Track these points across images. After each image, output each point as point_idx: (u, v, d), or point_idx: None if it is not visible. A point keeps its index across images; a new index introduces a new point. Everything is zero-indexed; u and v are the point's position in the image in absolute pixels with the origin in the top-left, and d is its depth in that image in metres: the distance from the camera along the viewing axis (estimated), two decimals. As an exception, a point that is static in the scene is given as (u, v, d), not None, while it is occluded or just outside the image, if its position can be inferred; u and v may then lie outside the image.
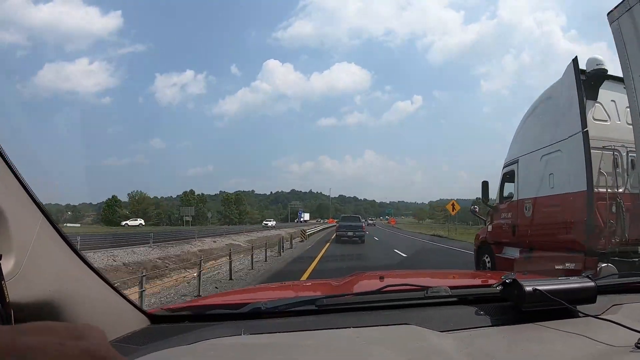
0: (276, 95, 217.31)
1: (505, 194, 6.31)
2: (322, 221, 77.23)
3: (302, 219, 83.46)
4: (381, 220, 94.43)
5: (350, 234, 17.33)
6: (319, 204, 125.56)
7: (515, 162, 5.90)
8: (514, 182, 5.93)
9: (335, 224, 25.93)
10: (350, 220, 19.26)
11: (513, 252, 5.67)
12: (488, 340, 0.76)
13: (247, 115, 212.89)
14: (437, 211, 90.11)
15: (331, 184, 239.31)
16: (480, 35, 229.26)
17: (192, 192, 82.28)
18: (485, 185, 6.67)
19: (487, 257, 6.49)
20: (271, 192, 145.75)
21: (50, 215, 0.70)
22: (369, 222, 54.77)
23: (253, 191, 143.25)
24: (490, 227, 6.55)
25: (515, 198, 5.84)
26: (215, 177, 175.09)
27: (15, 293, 0.56)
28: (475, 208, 7.67)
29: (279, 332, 0.84)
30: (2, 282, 0.51)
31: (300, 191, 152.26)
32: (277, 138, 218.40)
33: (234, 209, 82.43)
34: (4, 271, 0.53)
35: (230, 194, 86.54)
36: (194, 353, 0.73)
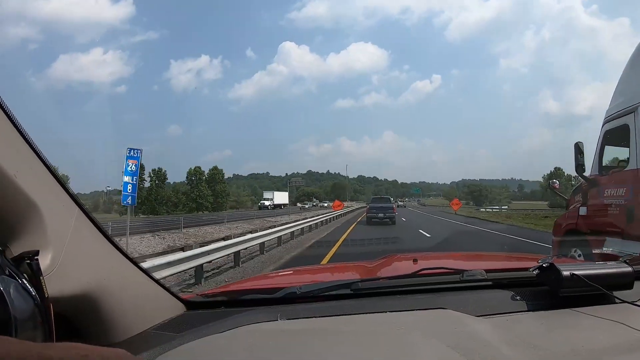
0: (293, 78, 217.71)
1: (606, 161, 4.57)
2: (315, 205, 63.21)
3: (269, 203, 56.67)
4: (405, 201, 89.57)
5: (381, 215, 17.56)
6: (334, 184, 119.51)
7: (633, 110, 4.04)
8: (626, 143, 4.15)
9: (341, 210, 22.79)
10: (380, 201, 19.42)
11: (626, 247, 3.87)
12: (525, 326, 0.77)
13: (264, 99, 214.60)
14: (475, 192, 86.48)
15: (350, 165, 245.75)
16: (499, 11, 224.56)
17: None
18: (579, 147, 4.54)
19: (577, 252, 4.48)
20: (286, 174, 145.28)
21: (85, 207, 0.72)
22: (399, 203, 53.00)
23: (268, 173, 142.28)
24: (583, 210, 4.69)
25: (633, 165, 4.00)
26: (233, 162, 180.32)
27: (54, 287, 0.58)
28: (554, 183, 5.54)
29: (315, 317, 0.86)
30: (41, 277, 0.53)
31: (317, 172, 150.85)
32: (295, 121, 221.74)
33: (205, 190, 61.29)
34: (42, 266, 0.55)
35: (200, 169, 64.55)
36: (232, 339, 0.75)
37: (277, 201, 59.20)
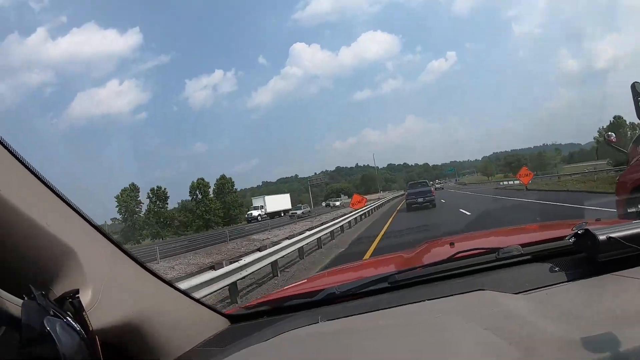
0: (308, 78, 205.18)
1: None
2: (326, 207, 50.35)
3: (258, 213, 42.16)
4: (442, 183, 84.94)
5: (420, 200, 17.62)
6: (363, 176, 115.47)
7: None
8: None
9: (363, 207, 19.16)
10: (418, 186, 19.60)
11: None
12: (564, 297, 0.75)
13: (282, 103, 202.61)
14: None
15: (377, 155, 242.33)
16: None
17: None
18: (635, 89, 3.93)
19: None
20: (315, 173, 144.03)
21: (118, 241, 0.76)
22: (436, 186, 50.62)
23: (296, 175, 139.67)
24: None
25: None
26: (262, 169, 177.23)
27: (97, 321, 0.61)
28: (610, 136, 4.92)
29: (354, 315, 0.87)
30: (84, 313, 0.56)
31: (346, 167, 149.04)
32: (316, 120, 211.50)
33: (212, 204, 52.94)
34: (84, 303, 0.58)
35: (204, 181, 56.10)
36: (274, 347, 0.76)
37: (271, 208, 44.30)
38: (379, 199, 37.68)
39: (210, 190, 56.70)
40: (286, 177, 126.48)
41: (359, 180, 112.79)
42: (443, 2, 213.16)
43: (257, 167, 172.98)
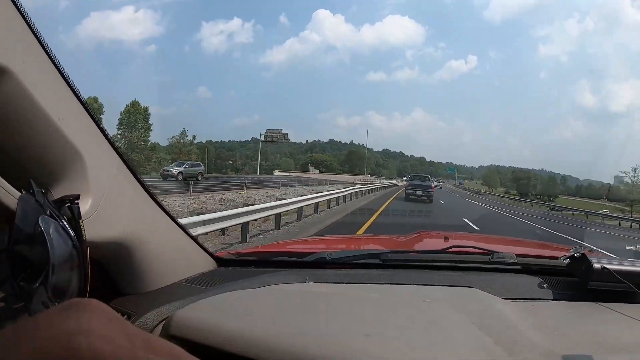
0: (325, 47, 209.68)
1: None
2: None
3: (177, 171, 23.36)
4: (441, 182, 78.95)
5: (419, 192, 18.62)
6: (350, 151, 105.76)
7: None
8: None
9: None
10: (419, 179, 21.27)
11: None
12: (550, 314, 0.77)
13: (295, 66, 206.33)
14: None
15: (375, 139, 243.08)
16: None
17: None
18: None
19: None
20: (307, 141, 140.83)
21: (126, 157, 0.74)
22: (435, 183, 47.27)
23: (288, 137, 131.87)
24: None
25: None
26: (261, 126, 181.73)
27: (92, 232, 0.60)
28: None
29: (343, 283, 0.89)
30: (80, 220, 0.54)
31: (339, 141, 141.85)
32: (324, 90, 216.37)
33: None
34: (82, 211, 0.56)
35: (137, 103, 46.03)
36: (259, 297, 0.77)
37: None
38: (354, 183, 28.23)
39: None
40: (298, 142, 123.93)
41: (344, 156, 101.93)
42: (477, 4, 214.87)
43: (257, 123, 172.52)
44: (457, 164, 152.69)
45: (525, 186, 72.45)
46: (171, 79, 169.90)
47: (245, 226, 6.27)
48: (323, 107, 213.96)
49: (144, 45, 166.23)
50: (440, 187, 51.05)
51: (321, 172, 70.71)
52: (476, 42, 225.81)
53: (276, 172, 59.02)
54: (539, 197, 57.99)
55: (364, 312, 0.70)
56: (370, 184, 28.55)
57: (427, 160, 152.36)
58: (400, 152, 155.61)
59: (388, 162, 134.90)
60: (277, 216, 7.74)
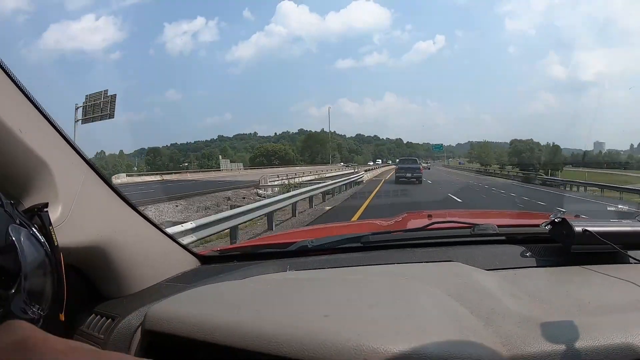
0: (292, 38, 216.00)
1: None
2: None
3: None
4: (429, 163, 77.47)
5: (408, 175, 20.07)
6: (308, 136, 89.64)
7: None
8: None
9: None
10: (408, 162, 23.05)
11: None
12: (531, 281, 0.78)
13: (263, 61, 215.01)
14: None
15: (351, 126, 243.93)
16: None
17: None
18: None
19: None
20: (275, 133, 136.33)
21: (93, 163, 0.76)
22: (424, 165, 49.00)
23: (256, 133, 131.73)
24: None
25: None
26: (234, 125, 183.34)
27: (64, 238, 0.61)
28: None
29: (324, 268, 0.91)
30: (50, 227, 0.54)
31: (309, 130, 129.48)
32: (295, 82, 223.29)
33: None
34: (52, 218, 0.56)
35: None
36: (240, 287, 0.79)
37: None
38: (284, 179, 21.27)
39: None
40: (244, 134, 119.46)
41: (301, 143, 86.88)
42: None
43: (230, 122, 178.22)
44: (433, 143, 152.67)
45: (528, 159, 61.63)
46: (139, 84, 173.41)
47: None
48: (294, 99, 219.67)
49: (108, 52, 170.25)
50: (429, 169, 49.75)
51: (274, 165, 57.01)
52: (443, 22, 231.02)
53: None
54: (542, 171, 47.32)
55: (337, 293, 0.71)
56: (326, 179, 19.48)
57: (405, 142, 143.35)
58: (375, 135, 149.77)
59: (362, 147, 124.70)
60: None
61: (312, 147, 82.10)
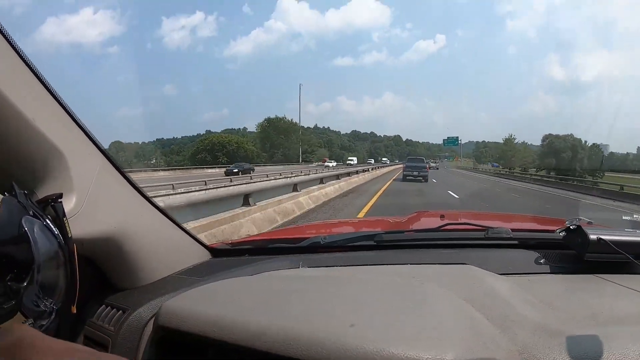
0: (291, 35, 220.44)
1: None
2: None
3: None
4: (437, 162, 72.14)
5: (415, 173, 21.72)
6: (269, 121, 65.88)
7: None
8: None
9: None
10: (415, 161, 24.36)
11: None
12: (545, 288, 0.78)
13: (261, 57, 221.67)
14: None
15: (348, 124, 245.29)
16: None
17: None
18: None
19: None
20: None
21: (109, 153, 0.76)
22: (431, 164, 47.81)
23: (245, 128, 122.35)
24: None
25: None
26: (231, 120, 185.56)
27: (78, 229, 0.62)
28: None
29: (337, 266, 0.93)
30: (64, 218, 0.55)
31: (301, 126, 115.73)
32: (293, 79, 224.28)
33: None
34: (66, 209, 0.57)
35: None
36: (252, 283, 0.80)
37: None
38: None
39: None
40: (232, 129, 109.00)
41: (260, 132, 67.43)
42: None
43: (226, 117, 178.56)
44: (433, 142, 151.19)
45: (568, 161, 48.41)
46: (137, 79, 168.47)
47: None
48: (292, 96, 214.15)
49: (106, 46, 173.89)
50: (437, 169, 48.25)
51: (218, 164, 41.75)
52: (444, 22, 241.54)
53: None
54: (580, 175, 35.62)
55: (353, 294, 0.71)
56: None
57: (404, 139, 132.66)
58: (372, 132, 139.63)
59: (357, 145, 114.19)
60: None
61: (274, 139, 62.63)
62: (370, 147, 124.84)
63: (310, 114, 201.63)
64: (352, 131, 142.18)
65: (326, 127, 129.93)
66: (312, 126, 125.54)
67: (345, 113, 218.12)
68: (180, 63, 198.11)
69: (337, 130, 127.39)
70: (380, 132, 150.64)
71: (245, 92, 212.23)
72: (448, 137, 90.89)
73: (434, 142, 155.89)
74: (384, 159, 79.53)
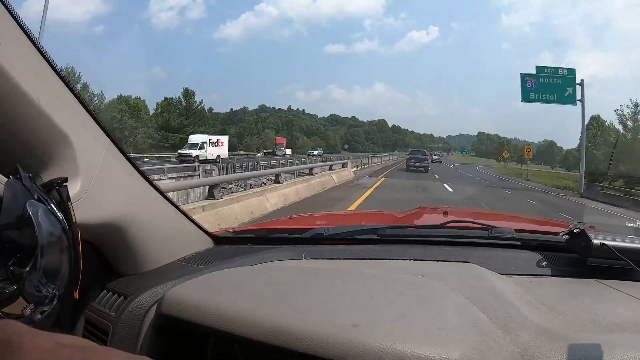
0: (282, 20, 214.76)
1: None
2: None
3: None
4: (441, 155, 66.02)
5: (417, 164, 26.46)
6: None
7: None
8: None
9: None
10: (418, 153, 30.26)
11: None
12: (547, 290, 0.79)
13: (251, 41, 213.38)
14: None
15: (339, 112, 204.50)
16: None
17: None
18: None
19: None
20: (231, 109, 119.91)
21: (116, 138, 0.76)
22: (434, 157, 50.48)
23: (232, 109, 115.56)
24: None
25: None
26: (218, 105, 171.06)
27: (82, 214, 0.62)
28: None
29: (340, 259, 0.94)
30: (69, 203, 0.55)
31: (272, 107, 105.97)
32: (283, 65, 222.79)
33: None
34: (71, 193, 0.57)
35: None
36: (256, 273, 0.81)
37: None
38: None
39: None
40: (219, 112, 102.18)
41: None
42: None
43: (215, 102, 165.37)
44: (422, 133, 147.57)
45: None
46: (124, 60, 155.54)
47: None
48: (282, 81, 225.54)
49: (90, 26, 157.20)
50: (440, 162, 48.57)
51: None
52: (438, 13, 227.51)
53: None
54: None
55: (354, 287, 0.73)
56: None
57: (390, 125, 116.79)
58: (353, 116, 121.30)
59: (331, 129, 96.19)
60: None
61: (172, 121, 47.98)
62: (346, 132, 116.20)
63: (300, 101, 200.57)
64: (331, 115, 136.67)
65: (314, 113, 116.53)
66: (285, 108, 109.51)
67: (336, 102, 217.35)
68: (169, 45, 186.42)
69: (312, 114, 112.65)
70: (363, 118, 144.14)
71: (234, 77, 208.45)
72: (462, 149, 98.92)
73: (421, 133, 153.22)
74: (314, 151, 50.05)
